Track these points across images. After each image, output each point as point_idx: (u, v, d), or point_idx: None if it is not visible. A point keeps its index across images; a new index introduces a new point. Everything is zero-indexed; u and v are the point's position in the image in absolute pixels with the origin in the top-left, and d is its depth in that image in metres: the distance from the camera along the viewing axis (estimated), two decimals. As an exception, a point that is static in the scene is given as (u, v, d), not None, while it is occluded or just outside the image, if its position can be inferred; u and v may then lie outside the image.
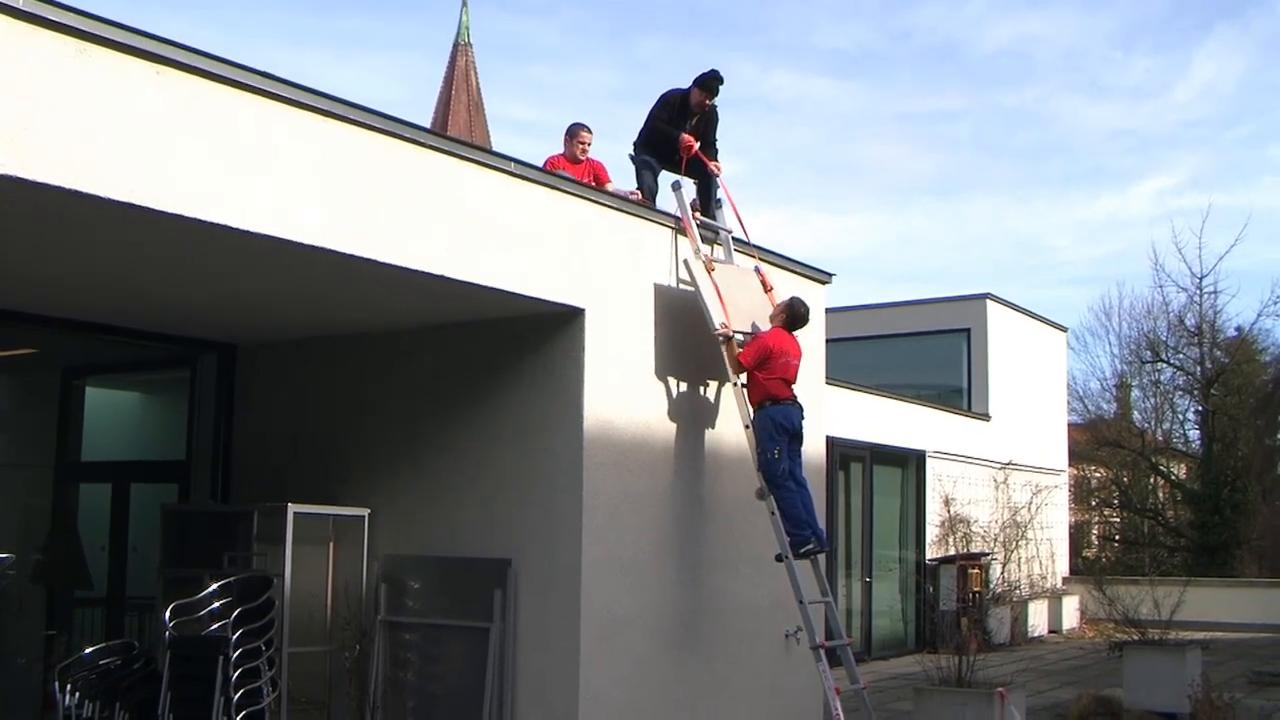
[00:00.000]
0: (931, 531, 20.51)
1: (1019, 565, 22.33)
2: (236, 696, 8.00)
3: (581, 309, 8.48)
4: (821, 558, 9.42)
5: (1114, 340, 34.65)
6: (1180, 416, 34.29)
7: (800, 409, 9.25)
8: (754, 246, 10.33)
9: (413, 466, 9.22)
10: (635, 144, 10.51)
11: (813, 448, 10.33)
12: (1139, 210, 57.06)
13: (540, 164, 9.09)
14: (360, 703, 8.90)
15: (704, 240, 9.66)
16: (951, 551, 20.47)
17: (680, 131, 10.23)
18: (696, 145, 10.20)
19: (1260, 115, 54.70)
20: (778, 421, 9.03)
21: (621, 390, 8.76)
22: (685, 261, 9.38)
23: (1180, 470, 33.31)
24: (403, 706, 8.90)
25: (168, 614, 8.35)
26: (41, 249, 6.98)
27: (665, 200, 10.09)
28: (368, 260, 6.98)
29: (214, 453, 10.21)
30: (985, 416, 22.89)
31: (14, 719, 10.21)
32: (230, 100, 6.22)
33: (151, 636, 9.55)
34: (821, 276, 11.41)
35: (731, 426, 9.56)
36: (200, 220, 6.08)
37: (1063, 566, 25.72)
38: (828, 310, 11.70)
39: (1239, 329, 31.61)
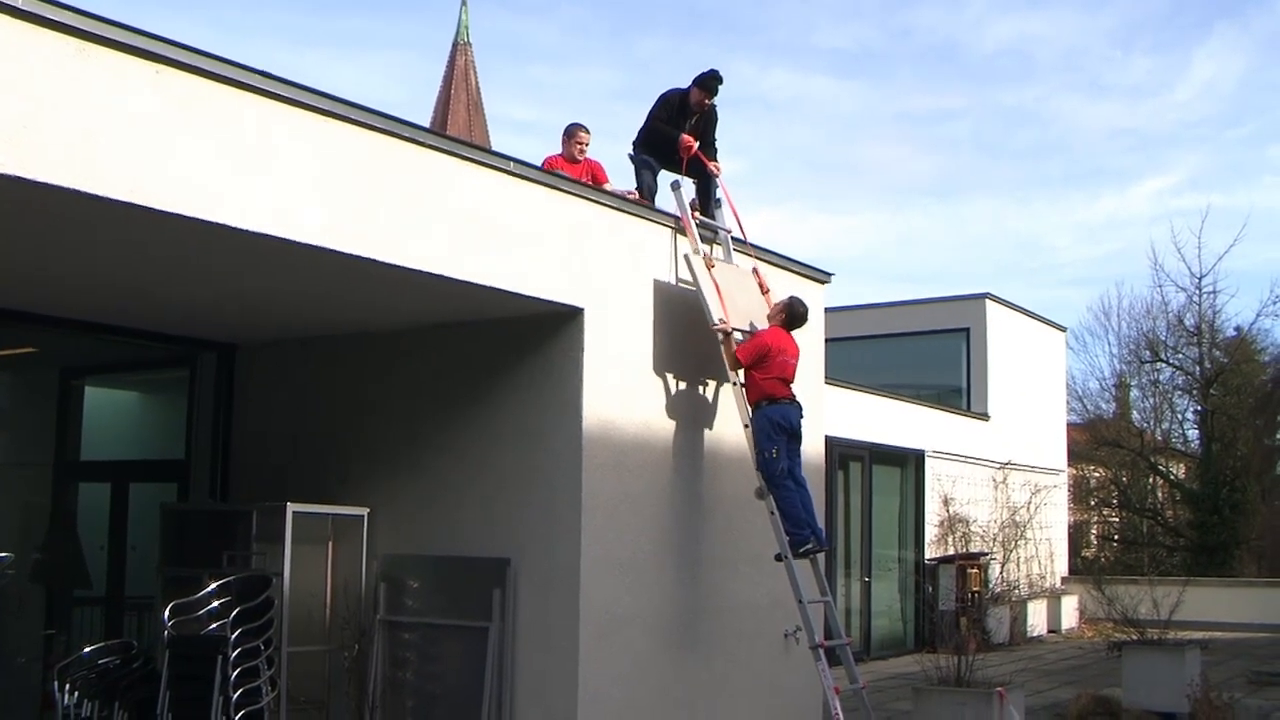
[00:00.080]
0: (930, 531, 20.52)
1: (1018, 565, 22.34)
2: (235, 696, 8.00)
3: (581, 309, 8.48)
4: (821, 557, 9.43)
5: (1113, 340, 34.71)
6: (1179, 416, 34.35)
7: (799, 408, 9.25)
8: (752, 246, 10.34)
9: (412, 466, 9.22)
10: (635, 143, 10.52)
11: (812, 447, 10.34)
12: (1139, 210, 57.15)
13: (539, 164, 9.09)
14: (359, 702, 8.90)
15: (703, 240, 9.67)
16: (950, 551, 20.47)
17: (680, 131, 10.23)
18: (696, 145, 10.20)
19: (1260, 115, 54.80)
20: (775, 421, 9.04)
21: (621, 390, 8.76)
22: (685, 257, 9.38)
23: (1179, 470, 33.33)
24: (402, 706, 8.90)
25: (167, 613, 8.35)
26: (42, 248, 6.99)
27: (664, 200, 10.11)
28: (368, 260, 6.98)
29: (213, 452, 10.21)
30: (984, 416, 22.90)
31: (13, 718, 10.21)
32: (231, 100, 6.22)
33: (150, 636, 9.55)
34: (820, 276, 11.42)
35: (731, 426, 9.56)
36: (200, 220, 6.09)
37: (1062, 566, 25.73)
38: (827, 310, 11.71)
39: (1238, 329, 31.67)
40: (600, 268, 8.70)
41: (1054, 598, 23.77)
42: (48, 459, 11.19)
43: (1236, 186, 54.77)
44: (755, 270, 10.17)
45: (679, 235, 9.52)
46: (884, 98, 67.45)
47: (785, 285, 10.41)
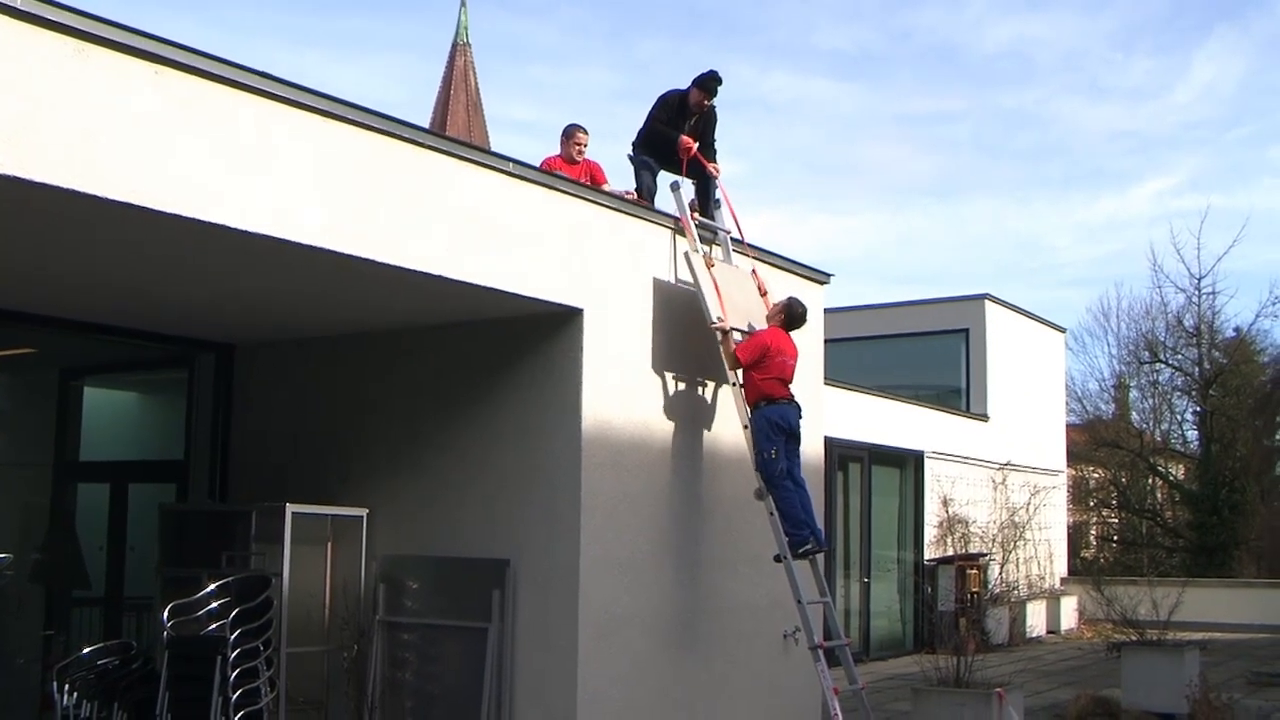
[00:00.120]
0: (930, 532, 20.51)
1: (1017, 566, 22.33)
2: (234, 696, 8.00)
3: (580, 309, 8.48)
4: (820, 558, 9.43)
5: (1112, 341, 34.74)
6: (1178, 417, 34.37)
7: (797, 409, 9.25)
8: (751, 247, 10.34)
9: (411, 466, 9.22)
10: (634, 144, 10.52)
11: (811, 448, 10.34)
12: (1138, 211, 57.18)
13: (537, 165, 9.10)
14: (358, 703, 8.90)
15: (702, 241, 9.67)
16: (950, 552, 20.47)
17: (679, 133, 10.23)
18: (695, 146, 10.20)
19: (1260, 116, 54.84)
20: (774, 421, 9.03)
21: (620, 390, 8.76)
22: (685, 255, 9.39)
23: (1178, 471, 33.33)
24: (401, 706, 8.90)
25: (166, 614, 8.35)
26: (41, 249, 6.99)
27: (663, 201, 10.11)
28: (367, 260, 6.99)
29: (212, 452, 10.21)
30: (984, 417, 22.90)
31: (12, 719, 10.21)
32: (230, 100, 6.22)
33: (150, 636, 9.55)
34: (820, 277, 11.42)
35: (730, 426, 9.56)
36: (200, 220, 6.09)
37: (1061, 567, 25.73)
38: (826, 311, 11.71)
39: (1237, 330, 31.68)
40: (600, 268, 8.70)
41: (1053, 598, 23.77)
42: (47, 459, 11.19)
43: (1236, 188, 54.88)
44: (754, 272, 10.17)
45: (678, 236, 9.52)
46: (884, 99, 67.53)
47: (784, 286, 10.41)
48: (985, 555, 20.98)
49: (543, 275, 8.20)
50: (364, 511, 9.22)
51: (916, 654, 15.81)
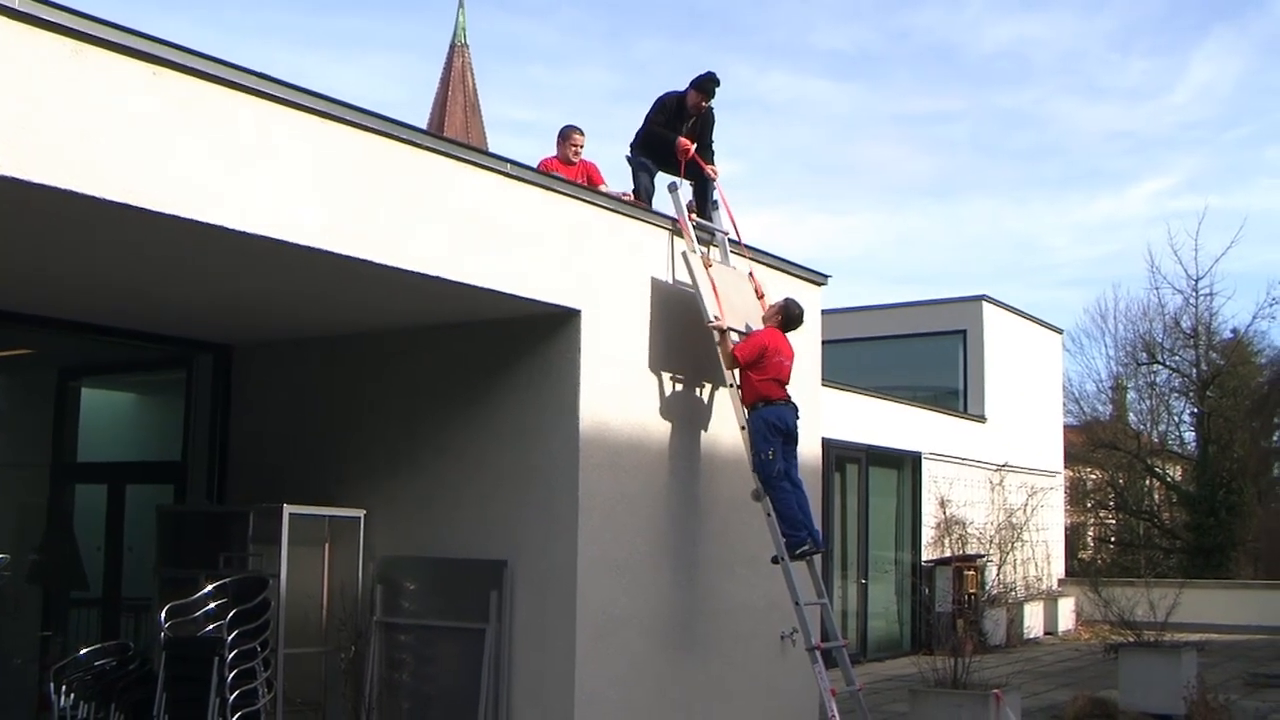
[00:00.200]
0: (927, 533, 20.52)
1: (1015, 567, 22.35)
2: (232, 697, 8.01)
3: (578, 310, 8.49)
4: (817, 559, 9.43)
5: (1110, 342, 34.77)
6: (1176, 418, 34.38)
7: (795, 409, 9.25)
8: (748, 248, 10.35)
9: (409, 467, 9.22)
10: (632, 146, 10.53)
11: (808, 449, 10.35)
12: (1136, 212, 57.25)
13: (535, 165, 9.10)
14: (356, 704, 8.90)
15: (700, 242, 9.68)
16: (947, 553, 20.48)
17: (677, 134, 10.24)
18: (694, 148, 10.21)
19: (1257, 117, 54.91)
20: (771, 422, 9.04)
21: (617, 391, 8.77)
22: (683, 254, 9.39)
23: (1176, 472, 33.34)
24: (398, 707, 8.90)
25: (163, 615, 8.35)
26: (39, 249, 6.99)
27: (661, 202, 10.11)
28: (366, 261, 6.99)
29: (210, 453, 10.21)
30: (981, 418, 22.91)
31: (9, 719, 10.20)
32: (228, 101, 6.22)
33: (147, 637, 9.54)
34: (817, 278, 11.43)
35: (727, 427, 9.57)
36: (198, 221, 6.09)
37: (1058, 568, 25.75)
38: (823, 312, 11.71)
39: (1234, 331, 31.68)
40: (598, 269, 8.70)
41: (1051, 600, 23.79)
42: (44, 460, 11.18)
43: (1234, 188, 54.94)
44: (751, 274, 10.18)
45: (675, 237, 9.53)
46: (882, 99, 67.54)
47: (781, 287, 10.42)
48: (983, 556, 21.00)
49: (540, 276, 8.20)
50: (361, 512, 9.22)
51: (914, 655, 15.82)
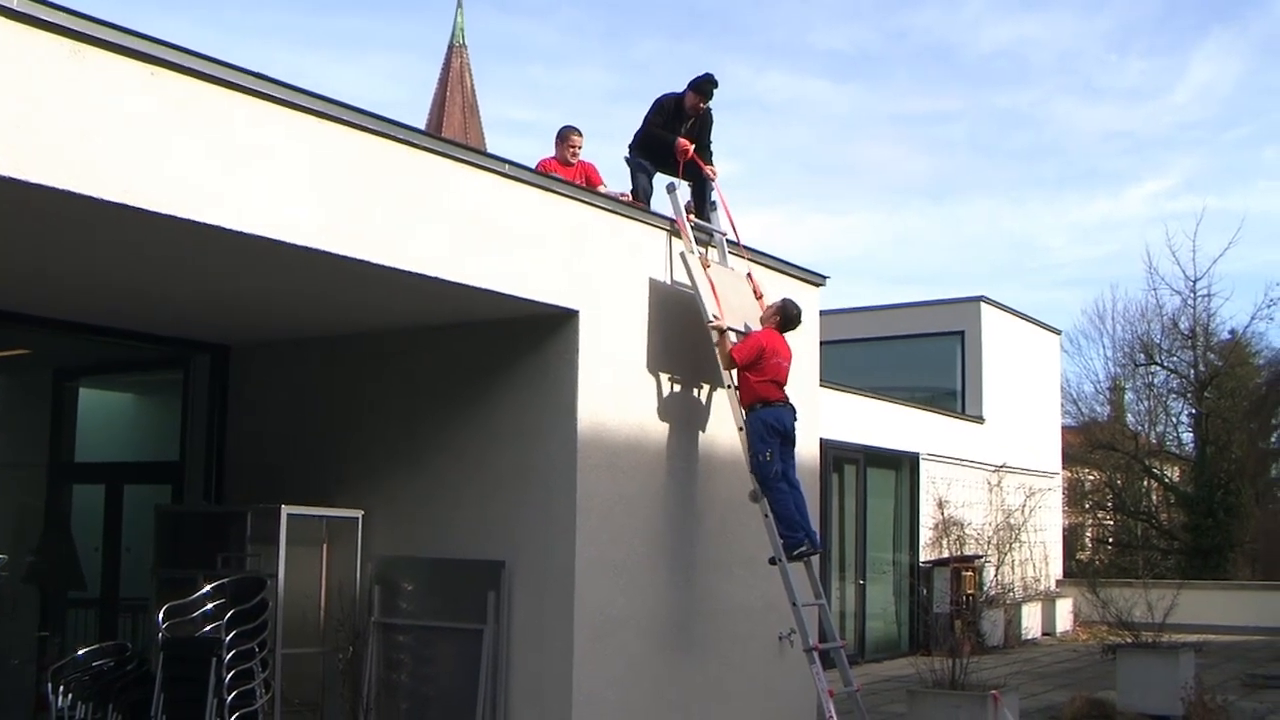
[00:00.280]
0: (925, 534, 20.52)
1: (1013, 568, 22.36)
2: (230, 698, 8.00)
3: (576, 310, 8.49)
4: (815, 560, 9.43)
5: (1108, 343, 34.76)
6: (1174, 419, 34.40)
7: (792, 410, 9.25)
8: (746, 249, 10.35)
9: (408, 467, 9.22)
10: (630, 147, 10.53)
11: (806, 450, 10.35)
12: (1134, 212, 57.25)
13: (533, 166, 9.10)
14: (354, 704, 8.90)
15: (698, 242, 9.69)
16: (945, 554, 20.48)
17: (675, 135, 10.24)
18: (692, 149, 10.21)
19: (1256, 118, 54.91)
20: (768, 423, 9.04)
21: (616, 392, 8.77)
22: (681, 254, 9.40)
23: (1174, 473, 33.36)
24: (396, 708, 8.90)
25: (161, 615, 8.34)
26: (37, 249, 6.99)
27: (660, 203, 10.11)
28: (363, 261, 6.99)
29: (207, 453, 10.21)
30: (979, 419, 22.91)
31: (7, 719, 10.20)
32: (225, 101, 6.22)
33: (145, 638, 9.54)
34: (815, 279, 11.43)
35: (725, 428, 9.57)
36: (195, 221, 6.09)
37: (1056, 569, 25.76)
38: (821, 313, 11.72)
39: (1232, 332, 31.67)
40: (596, 270, 8.70)
41: (1048, 600, 23.79)
42: (42, 460, 11.17)
43: (1232, 189, 54.97)
44: (750, 275, 10.18)
45: (674, 237, 9.53)
46: (880, 99, 67.55)
47: (780, 288, 10.42)
48: (980, 557, 21.00)
49: (539, 277, 8.20)
50: (359, 513, 9.22)
51: (912, 656, 15.81)
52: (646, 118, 10.43)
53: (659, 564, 9.12)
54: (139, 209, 5.84)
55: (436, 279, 7.45)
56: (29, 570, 11.01)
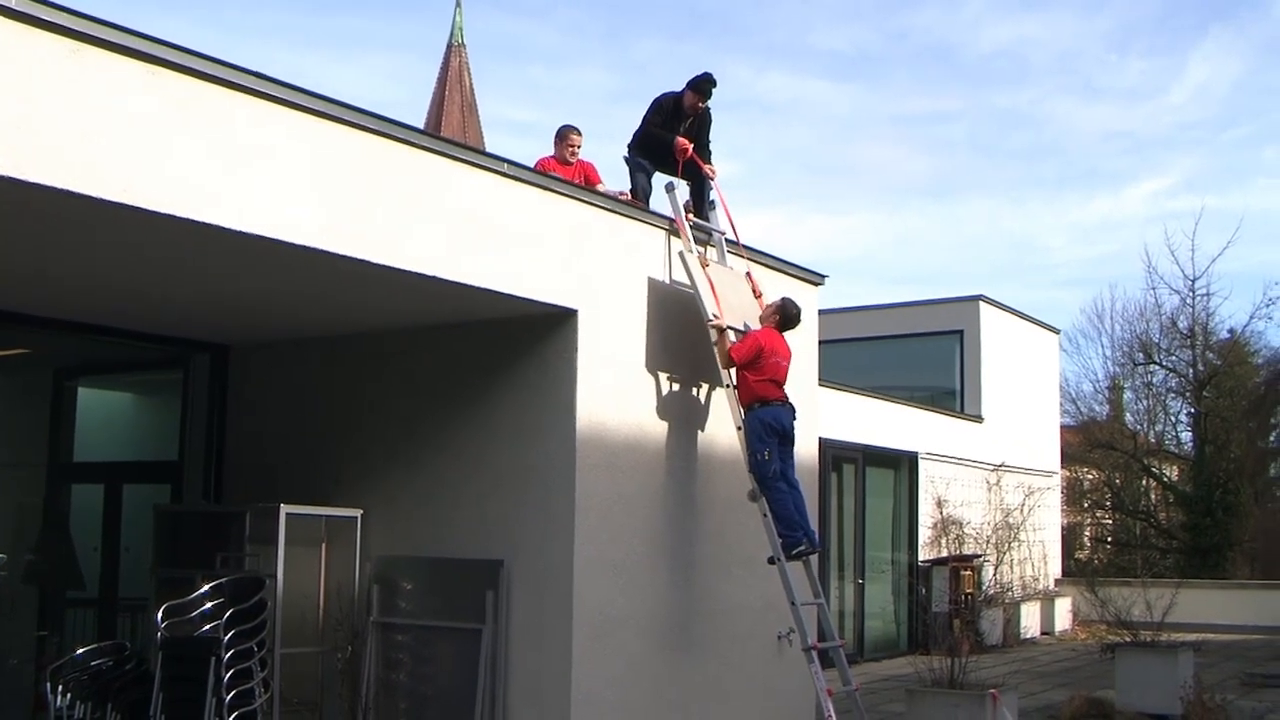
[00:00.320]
0: (924, 533, 20.53)
1: (1011, 567, 22.38)
2: (228, 697, 8.00)
3: (575, 310, 8.49)
4: (814, 559, 9.44)
5: (1106, 342, 34.79)
6: (1172, 418, 34.41)
7: (791, 410, 9.26)
8: (745, 248, 10.35)
9: (406, 467, 9.22)
10: (629, 147, 10.53)
11: (805, 449, 10.35)
12: (1133, 212, 57.24)
13: (532, 166, 9.10)
14: (352, 704, 8.90)
15: (697, 242, 9.69)
16: (944, 553, 20.50)
17: (674, 135, 10.24)
18: (691, 148, 10.21)
19: (1255, 117, 54.91)
20: (767, 423, 9.04)
21: (614, 391, 8.77)
22: (680, 254, 9.40)
23: (1172, 472, 33.38)
24: (395, 708, 8.90)
25: (160, 615, 8.35)
26: (38, 250, 6.99)
27: (659, 202, 10.12)
28: (364, 261, 6.99)
29: (206, 453, 10.21)
30: (978, 418, 22.92)
31: (5, 719, 10.20)
32: (225, 101, 6.23)
33: (143, 637, 9.54)
34: (814, 278, 11.43)
35: (724, 428, 9.57)
36: (196, 221, 6.09)
37: (1055, 568, 25.78)
38: (820, 312, 11.72)
39: (1231, 331, 31.69)
40: (595, 269, 8.71)
41: (1047, 600, 23.80)
42: (41, 460, 11.17)
43: (1231, 189, 54.98)
44: (749, 275, 10.18)
45: (673, 237, 9.53)
46: (880, 100, 67.51)
47: (779, 287, 10.42)
48: (979, 556, 21.01)
49: (538, 276, 8.20)
50: (358, 512, 9.23)
51: (911, 655, 15.80)
52: (645, 117, 10.43)
53: (658, 563, 9.12)
54: (139, 209, 5.84)
55: (436, 278, 7.46)
56: (28, 570, 11.01)
